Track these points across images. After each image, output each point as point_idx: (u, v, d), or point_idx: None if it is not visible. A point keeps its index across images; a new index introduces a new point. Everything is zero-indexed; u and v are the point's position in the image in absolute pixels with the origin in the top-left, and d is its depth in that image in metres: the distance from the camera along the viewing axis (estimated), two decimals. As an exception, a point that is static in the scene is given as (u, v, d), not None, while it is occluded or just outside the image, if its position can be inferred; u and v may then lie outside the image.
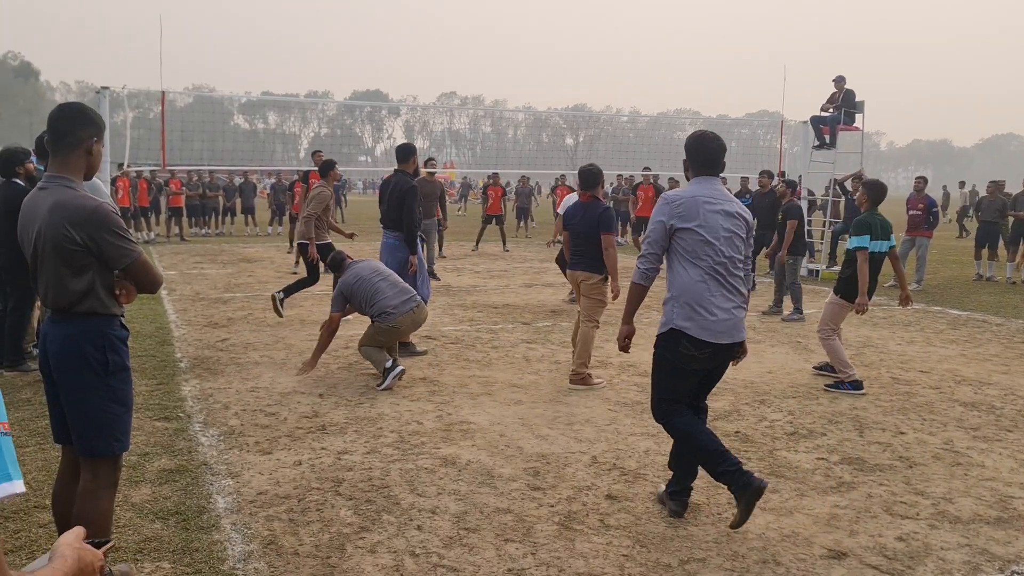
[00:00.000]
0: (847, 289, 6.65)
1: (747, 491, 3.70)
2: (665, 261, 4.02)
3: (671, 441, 5.21)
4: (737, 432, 5.45)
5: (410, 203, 7.53)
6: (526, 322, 9.48)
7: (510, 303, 10.96)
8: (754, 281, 3.65)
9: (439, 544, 3.72)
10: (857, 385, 6.52)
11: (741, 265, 3.96)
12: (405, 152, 7.84)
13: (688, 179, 4.07)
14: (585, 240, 6.53)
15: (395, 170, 7.84)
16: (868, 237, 6.54)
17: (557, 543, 3.76)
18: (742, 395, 6.42)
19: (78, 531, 1.41)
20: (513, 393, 6.36)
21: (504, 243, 19.59)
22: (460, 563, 3.55)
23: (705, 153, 3.98)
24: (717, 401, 6.21)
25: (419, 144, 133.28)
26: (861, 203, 6.90)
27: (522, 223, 24.99)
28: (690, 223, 3.84)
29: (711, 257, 3.84)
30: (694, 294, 3.83)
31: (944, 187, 26.62)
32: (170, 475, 4.49)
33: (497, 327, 9.19)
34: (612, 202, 20.56)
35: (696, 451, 3.93)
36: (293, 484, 4.41)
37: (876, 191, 6.82)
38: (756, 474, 3.79)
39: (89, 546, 1.39)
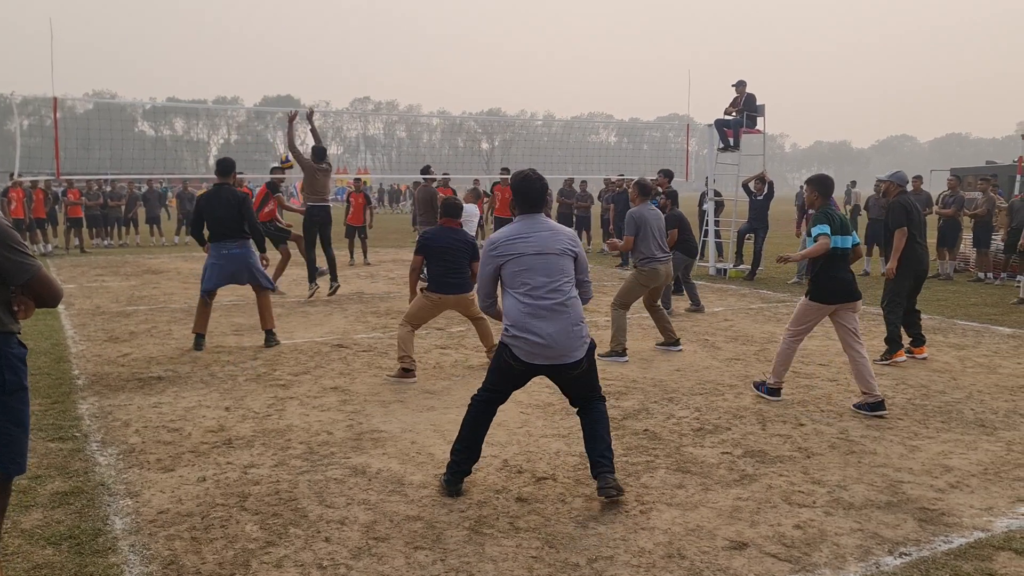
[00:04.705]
0: (812, 289, 6.19)
1: (450, 486, 4.42)
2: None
3: (582, 441, 5.30)
4: (646, 430, 5.55)
5: (247, 210, 8.05)
6: (440, 327, 9.45)
7: (424, 309, 10.88)
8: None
9: (347, 555, 3.68)
10: (774, 392, 6.41)
11: (565, 288, 4.30)
12: (227, 166, 8.31)
13: (514, 216, 4.50)
14: (462, 264, 7.09)
15: (218, 184, 8.17)
16: (828, 227, 6.08)
17: (467, 548, 3.76)
18: (651, 393, 6.55)
19: None
20: (426, 400, 6.34)
21: (365, 255, 17.44)
22: (369, 573, 3.51)
23: (527, 193, 4.41)
24: (626, 400, 6.32)
25: (332, 151, 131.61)
26: (812, 203, 6.38)
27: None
28: (509, 258, 4.31)
29: (527, 284, 4.26)
30: (516, 318, 4.26)
31: (852, 183, 27.66)
32: (64, 498, 4.30)
33: (411, 333, 9.13)
34: (559, 204, 20.83)
35: (461, 428, 4.49)
36: (196, 501, 4.28)
37: (822, 184, 6.38)
38: (461, 485, 4.44)
39: None
